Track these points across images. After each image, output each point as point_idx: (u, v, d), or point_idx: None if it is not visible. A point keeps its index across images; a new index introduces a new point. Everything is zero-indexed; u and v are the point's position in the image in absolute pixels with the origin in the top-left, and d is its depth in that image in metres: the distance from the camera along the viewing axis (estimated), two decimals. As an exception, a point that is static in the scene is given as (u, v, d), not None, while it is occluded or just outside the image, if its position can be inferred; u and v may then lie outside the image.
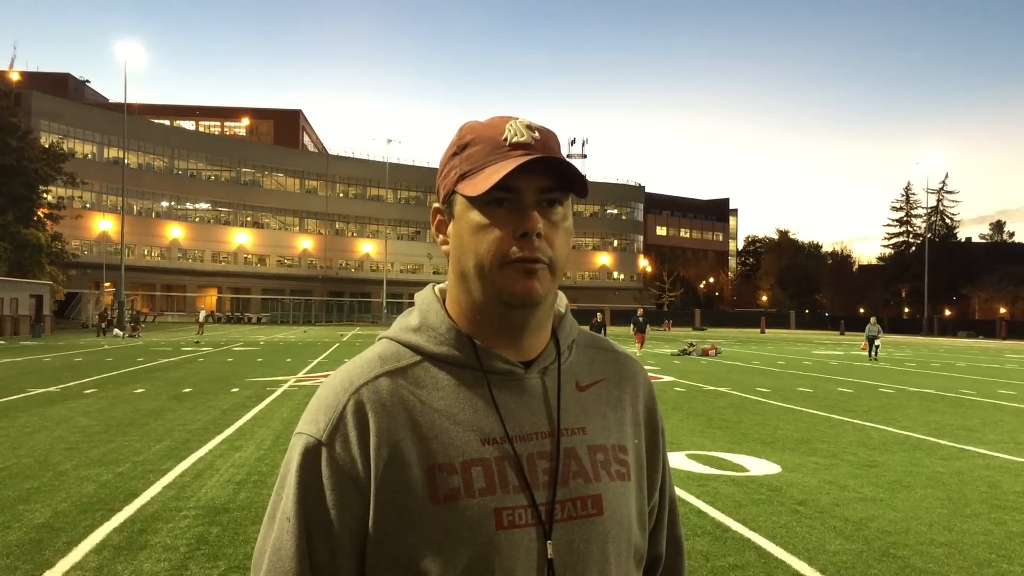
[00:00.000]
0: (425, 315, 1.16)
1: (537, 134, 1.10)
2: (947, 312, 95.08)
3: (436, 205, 1.17)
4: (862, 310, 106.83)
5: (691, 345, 33.27)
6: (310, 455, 1.06)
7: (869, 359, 30.81)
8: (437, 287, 1.21)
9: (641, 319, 29.97)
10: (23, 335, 41.97)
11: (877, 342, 31.77)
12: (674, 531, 1.31)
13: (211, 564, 5.21)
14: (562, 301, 1.21)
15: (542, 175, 1.06)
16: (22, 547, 5.57)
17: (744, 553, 5.64)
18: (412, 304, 1.22)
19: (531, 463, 1.07)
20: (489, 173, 1.05)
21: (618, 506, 1.12)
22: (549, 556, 1.04)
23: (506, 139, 1.08)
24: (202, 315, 48.15)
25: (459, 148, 1.11)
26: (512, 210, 1.06)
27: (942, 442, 10.58)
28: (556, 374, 1.15)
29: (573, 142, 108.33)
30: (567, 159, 1.06)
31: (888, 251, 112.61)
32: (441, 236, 1.16)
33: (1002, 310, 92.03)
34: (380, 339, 1.18)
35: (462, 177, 1.09)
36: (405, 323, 1.18)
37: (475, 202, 1.07)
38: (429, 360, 1.12)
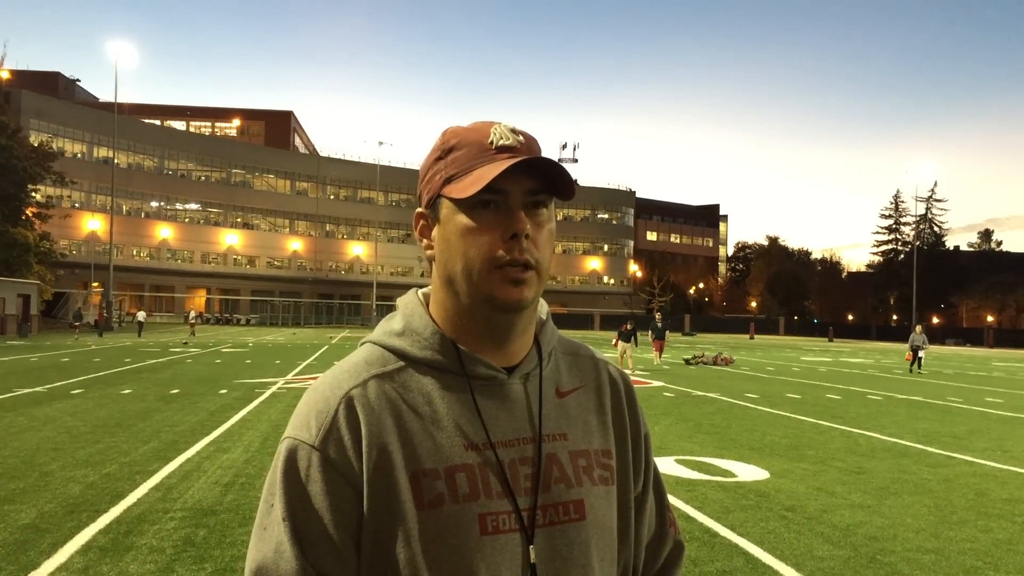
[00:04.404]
0: (409, 319, 1.16)
1: (521, 138, 1.11)
2: (935, 320, 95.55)
3: (420, 210, 1.17)
4: (851, 317, 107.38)
5: (700, 356, 30.77)
6: (304, 460, 1.05)
7: (911, 372, 27.74)
8: (420, 291, 1.21)
9: (660, 325, 27.86)
10: (10, 335, 41.72)
11: (921, 353, 28.30)
12: (666, 535, 1.31)
13: (197, 566, 5.18)
14: (543, 308, 1.21)
15: (528, 177, 1.07)
16: (7, 548, 5.53)
17: (732, 559, 5.64)
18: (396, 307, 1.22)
19: (513, 469, 1.08)
20: (478, 175, 1.05)
21: (601, 511, 1.13)
22: (532, 561, 1.05)
23: (492, 142, 1.09)
24: (192, 315, 48.02)
25: (443, 152, 1.12)
26: (500, 212, 1.06)
27: (929, 449, 10.62)
28: (538, 380, 1.15)
29: (564, 146, 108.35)
30: (557, 161, 1.07)
31: (877, 258, 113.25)
32: (425, 240, 1.15)
33: (989, 318, 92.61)
34: (363, 344, 1.18)
35: (448, 181, 1.09)
36: (389, 327, 1.17)
37: (462, 205, 1.07)
38: (413, 365, 1.12)
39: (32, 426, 10.83)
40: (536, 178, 1.07)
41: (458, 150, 1.10)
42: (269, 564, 1.04)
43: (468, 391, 1.10)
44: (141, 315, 47.41)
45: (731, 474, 8.66)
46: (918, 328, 29.17)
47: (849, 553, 5.83)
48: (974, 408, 16.23)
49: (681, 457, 9.53)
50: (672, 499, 7.27)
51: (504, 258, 1.05)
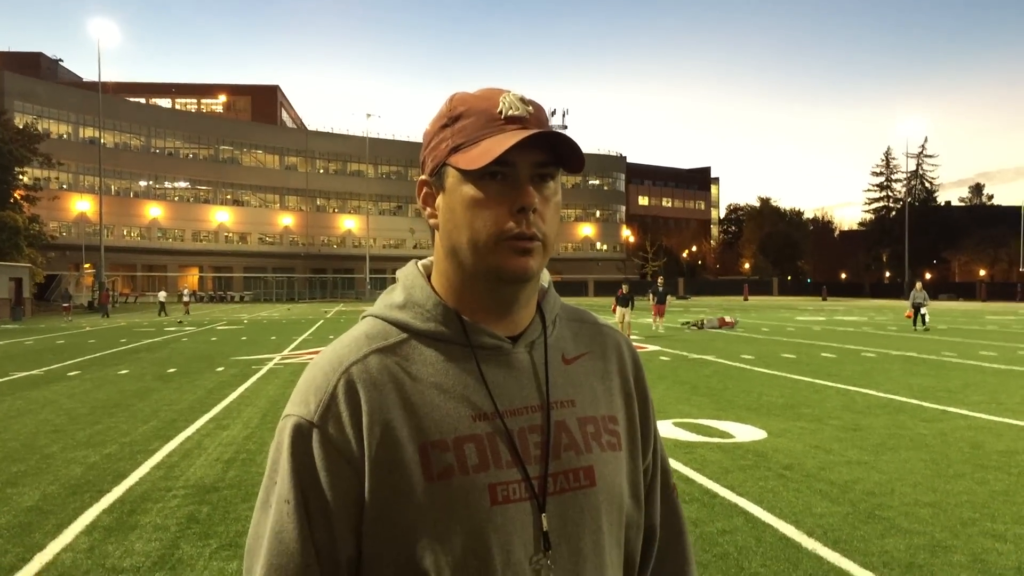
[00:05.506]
0: (410, 291, 1.15)
1: (531, 108, 1.08)
2: (928, 275, 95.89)
3: (423, 177, 1.14)
4: (844, 275, 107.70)
5: (703, 322, 30.10)
6: (303, 437, 1.04)
7: (915, 329, 27.42)
8: (420, 263, 1.20)
9: (661, 289, 27.11)
10: (3, 319, 41.61)
11: (924, 310, 27.82)
12: (669, 499, 1.30)
13: (202, 542, 5.22)
14: (545, 276, 1.20)
15: (537, 150, 1.05)
16: (12, 530, 5.56)
17: (732, 518, 5.70)
18: (395, 280, 1.20)
19: (522, 437, 1.07)
20: (487, 147, 1.03)
21: (610, 476, 1.12)
22: (544, 529, 1.05)
23: (501, 112, 1.06)
24: (186, 294, 47.81)
25: (450, 120, 1.09)
26: (508, 185, 1.04)
27: (925, 404, 10.70)
28: (543, 348, 1.15)
29: (553, 113, 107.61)
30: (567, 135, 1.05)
31: (869, 216, 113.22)
32: (428, 209, 1.14)
33: (982, 272, 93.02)
34: (364, 317, 1.17)
35: (455, 150, 1.07)
36: (389, 300, 1.16)
37: (469, 176, 1.05)
38: (416, 337, 1.11)
39: (31, 409, 10.85)
40: (545, 151, 1.06)
41: (466, 118, 1.08)
42: (269, 539, 1.04)
43: (473, 361, 1.09)
44: (162, 295, 46.97)
45: (729, 435, 8.72)
46: (918, 285, 28.85)
47: (848, 509, 5.90)
48: (968, 362, 16.34)
49: (679, 420, 9.59)
50: (671, 461, 7.31)
51: (512, 231, 1.04)
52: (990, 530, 5.40)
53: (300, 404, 1.07)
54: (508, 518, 1.03)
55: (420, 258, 1.22)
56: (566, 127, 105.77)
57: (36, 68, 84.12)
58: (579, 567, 1.07)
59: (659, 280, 28.53)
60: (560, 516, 1.06)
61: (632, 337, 23.39)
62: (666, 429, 8.96)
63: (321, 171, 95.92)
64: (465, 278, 1.10)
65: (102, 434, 9.03)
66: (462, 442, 1.04)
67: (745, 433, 8.82)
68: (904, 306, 47.60)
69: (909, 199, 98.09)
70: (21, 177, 53.08)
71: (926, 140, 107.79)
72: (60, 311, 43.65)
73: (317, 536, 1.03)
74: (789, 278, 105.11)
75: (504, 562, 1.02)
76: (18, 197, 52.11)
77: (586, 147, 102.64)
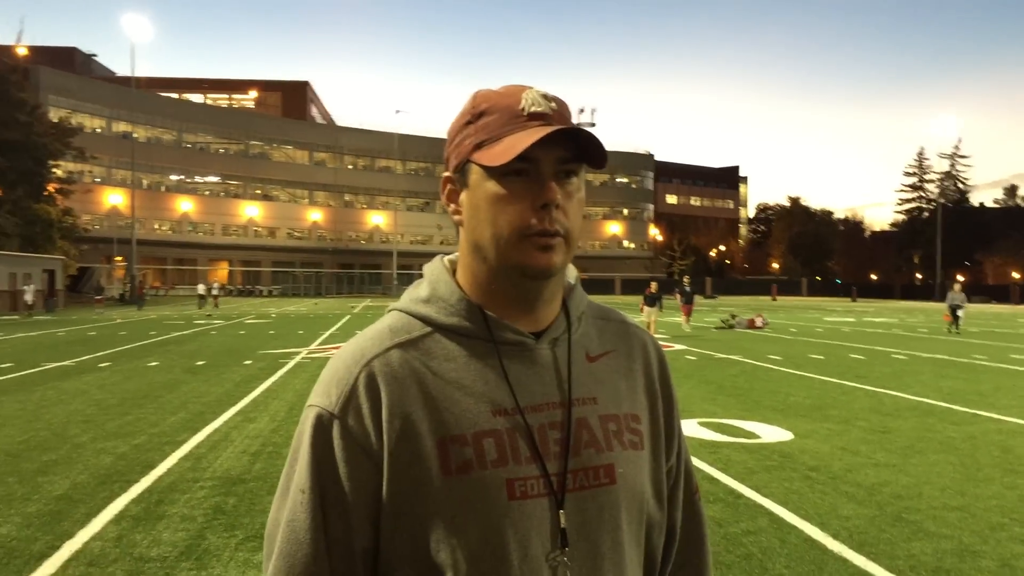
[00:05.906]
0: (435, 286, 1.15)
1: (554, 104, 1.09)
2: (960, 277, 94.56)
3: (447, 174, 1.15)
4: (874, 276, 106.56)
5: (733, 316, 30.07)
6: (323, 428, 1.06)
7: (949, 332, 26.31)
8: (446, 258, 1.21)
9: (688, 288, 26.93)
10: (37, 310, 42.19)
11: (960, 312, 26.73)
12: (692, 502, 1.30)
13: (228, 533, 5.27)
14: (571, 272, 1.21)
15: (560, 146, 1.05)
16: (42, 518, 5.64)
17: (757, 519, 5.66)
18: (422, 275, 1.21)
19: (542, 434, 1.07)
20: (509, 143, 1.03)
21: (631, 475, 1.12)
22: (562, 526, 1.05)
23: (523, 108, 1.07)
24: (215, 288, 48.12)
25: (473, 116, 1.10)
26: (531, 181, 1.05)
27: (954, 407, 10.57)
28: (567, 345, 1.15)
29: (582, 111, 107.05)
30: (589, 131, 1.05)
31: (901, 217, 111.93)
32: (453, 205, 1.14)
33: (1015, 275, 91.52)
34: (390, 311, 1.18)
35: (478, 146, 1.08)
36: (415, 294, 1.17)
37: (492, 172, 1.06)
38: (439, 331, 1.12)
39: (62, 399, 11.00)
40: (568, 147, 1.06)
41: (488, 115, 1.08)
42: (283, 528, 1.06)
43: (496, 357, 1.09)
44: (201, 288, 47.30)
45: (754, 435, 8.67)
46: (956, 286, 27.78)
47: (874, 512, 5.84)
48: (1000, 365, 16.12)
49: (704, 419, 9.54)
50: (696, 461, 7.30)
51: (535, 227, 1.04)
52: (1019, 535, 5.32)
53: (322, 395, 1.09)
54: (526, 514, 1.03)
55: (447, 254, 1.22)
56: (594, 125, 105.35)
57: (70, 63, 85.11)
58: (597, 565, 1.07)
59: (685, 279, 28.28)
60: (579, 513, 1.06)
61: (657, 336, 23.29)
62: (691, 428, 8.92)
63: (350, 167, 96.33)
64: (489, 274, 1.11)
65: (131, 425, 9.14)
66: (481, 437, 1.04)
67: (771, 434, 8.76)
68: (936, 308, 46.96)
69: (942, 200, 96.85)
70: (55, 171, 53.78)
71: (960, 140, 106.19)
72: (92, 303, 44.13)
73: (330, 527, 1.04)
74: (818, 278, 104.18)
75: (521, 557, 1.02)
76: (52, 190, 52.83)
77: (614, 145, 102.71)
